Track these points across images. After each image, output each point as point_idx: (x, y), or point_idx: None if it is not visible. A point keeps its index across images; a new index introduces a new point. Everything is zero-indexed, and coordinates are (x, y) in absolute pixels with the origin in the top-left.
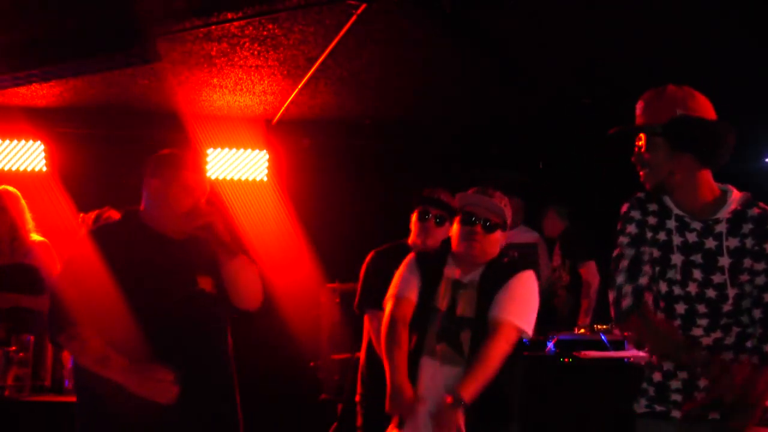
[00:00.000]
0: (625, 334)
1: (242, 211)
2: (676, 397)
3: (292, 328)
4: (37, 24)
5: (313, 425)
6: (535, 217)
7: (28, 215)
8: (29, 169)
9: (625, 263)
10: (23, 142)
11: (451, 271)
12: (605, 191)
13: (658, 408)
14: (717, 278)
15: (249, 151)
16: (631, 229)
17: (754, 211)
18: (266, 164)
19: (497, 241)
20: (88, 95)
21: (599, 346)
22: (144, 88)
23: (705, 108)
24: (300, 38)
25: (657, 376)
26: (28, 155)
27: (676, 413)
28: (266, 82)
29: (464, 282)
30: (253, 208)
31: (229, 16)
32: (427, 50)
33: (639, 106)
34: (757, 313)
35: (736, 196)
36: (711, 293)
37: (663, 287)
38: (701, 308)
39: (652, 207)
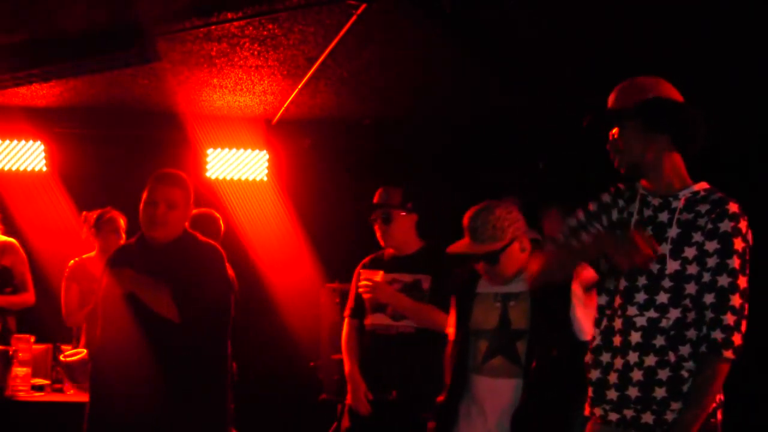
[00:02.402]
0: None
1: (242, 211)
2: (612, 395)
3: (292, 328)
4: (37, 24)
5: (313, 425)
6: (535, 217)
7: None
8: (29, 169)
9: (571, 224)
10: (23, 142)
11: (488, 285)
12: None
13: (598, 412)
14: (662, 249)
15: (249, 151)
16: (592, 206)
17: (715, 195)
18: (266, 164)
19: (513, 255)
20: (88, 95)
21: None
22: (144, 88)
23: (675, 94)
24: (300, 38)
25: (595, 374)
26: (28, 155)
27: (612, 416)
28: (266, 82)
29: (513, 292)
30: (253, 208)
31: (229, 16)
32: (427, 50)
33: (611, 97)
34: (708, 298)
35: (703, 185)
36: (654, 267)
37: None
38: (641, 280)
39: (627, 194)
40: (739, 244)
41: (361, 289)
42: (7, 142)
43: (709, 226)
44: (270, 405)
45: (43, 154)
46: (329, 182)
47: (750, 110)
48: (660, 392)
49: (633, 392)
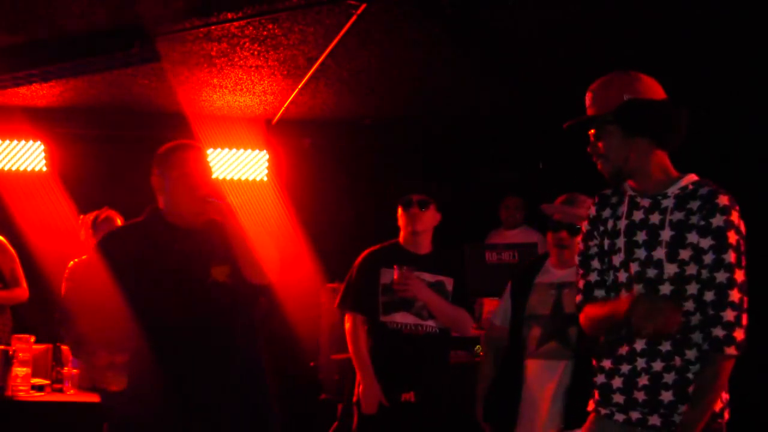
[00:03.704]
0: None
1: (242, 211)
2: (618, 398)
3: (292, 328)
4: (38, 24)
5: (313, 425)
6: (535, 217)
7: None
8: (29, 169)
9: (577, 260)
10: (23, 142)
11: (546, 276)
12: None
13: (603, 411)
14: (657, 253)
15: (249, 151)
16: (585, 226)
17: (704, 189)
18: (266, 164)
19: None
20: (88, 95)
21: None
22: (144, 88)
23: (653, 89)
24: (300, 38)
25: (600, 378)
26: (28, 155)
27: (619, 417)
28: (266, 82)
29: (567, 281)
30: (253, 208)
31: (229, 16)
32: (427, 50)
33: (587, 97)
34: (708, 296)
35: (691, 178)
36: (651, 272)
37: (611, 276)
38: (639, 288)
39: (613, 199)
40: (732, 237)
41: (398, 286)
42: (7, 142)
43: (702, 222)
44: None
45: (43, 154)
46: (329, 182)
47: (746, 106)
48: (667, 396)
49: (639, 396)
